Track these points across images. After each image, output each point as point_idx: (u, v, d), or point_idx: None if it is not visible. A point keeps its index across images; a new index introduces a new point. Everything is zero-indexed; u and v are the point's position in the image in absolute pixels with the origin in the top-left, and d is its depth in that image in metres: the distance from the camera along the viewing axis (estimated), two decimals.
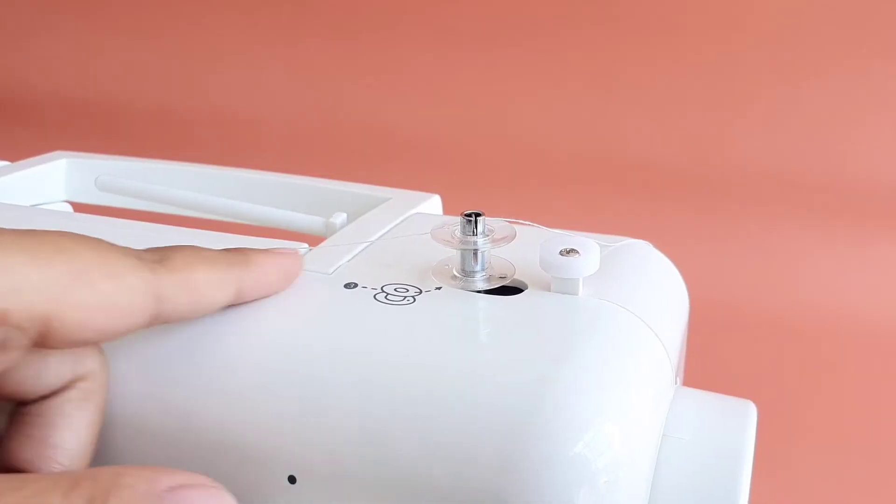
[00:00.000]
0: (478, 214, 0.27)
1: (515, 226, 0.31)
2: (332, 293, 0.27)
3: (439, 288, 0.27)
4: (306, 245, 0.30)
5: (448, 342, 0.24)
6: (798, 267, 0.71)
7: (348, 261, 0.29)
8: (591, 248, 0.26)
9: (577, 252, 0.26)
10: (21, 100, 0.87)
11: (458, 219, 0.27)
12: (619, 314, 0.26)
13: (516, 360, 0.23)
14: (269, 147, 0.78)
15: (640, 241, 0.31)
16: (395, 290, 0.27)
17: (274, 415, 0.23)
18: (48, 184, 0.41)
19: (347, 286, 0.27)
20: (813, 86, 0.69)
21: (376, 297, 0.26)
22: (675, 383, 0.27)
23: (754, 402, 0.28)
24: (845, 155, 0.70)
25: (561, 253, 0.26)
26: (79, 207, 0.42)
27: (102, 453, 0.25)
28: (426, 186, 0.38)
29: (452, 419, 0.22)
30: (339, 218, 0.34)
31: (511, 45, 0.73)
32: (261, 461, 0.24)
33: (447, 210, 0.38)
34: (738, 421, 0.27)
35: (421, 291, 0.27)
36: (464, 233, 0.27)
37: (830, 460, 0.56)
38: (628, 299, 0.27)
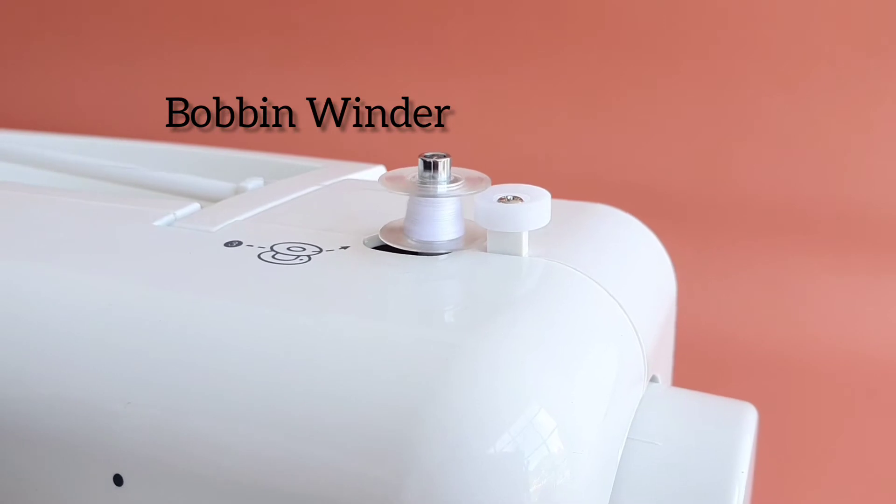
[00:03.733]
0: (441, 156, 0.20)
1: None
2: (207, 250, 0.21)
3: (346, 247, 0.21)
4: (197, 204, 0.24)
5: (332, 308, 0.18)
6: (809, 301, 0.65)
7: (242, 219, 0.23)
8: (540, 194, 0.20)
9: (521, 199, 0.20)
10: None
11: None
12: (574, 278, 0.20)
13: (420, 332, 0.17)
14: None
15: (614, 208, 0.25)
16: (287, 248, 0.21)
17: (97, 392, 0.18)
18: None
19: (229, 244, 0.21)
20: (827, 110, 0.64)
21: (261, 255, 0.20)
22: (649, 376, 0.21)
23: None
24: (860, 183, 0.65)
25: (500, 200, 0.20)
26: None
27: None
28: None
29: (332, 408, 0.16)
30: (254, 183, 0.28)
31: (506, 65, 0.69)
32: (82, 458, 0.18)
33: None
34: (732, 424, 0.21)
35: (321, 251, 0.21)
36: (422, 177, 0.20)
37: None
38: (588, 263, 0.20)
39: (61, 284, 0.20)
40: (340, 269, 0.20)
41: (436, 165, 0.20)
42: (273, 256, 0.20)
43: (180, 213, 0.23)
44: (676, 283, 0.25)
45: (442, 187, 0.20)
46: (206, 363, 0.17)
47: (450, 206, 0.20)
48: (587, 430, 0.17)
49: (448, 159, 0.20)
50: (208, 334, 0.18)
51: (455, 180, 0.20)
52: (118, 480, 0.17)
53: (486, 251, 0.20)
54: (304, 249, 0.21)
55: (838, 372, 0.62)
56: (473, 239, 0.21)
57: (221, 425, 0.17)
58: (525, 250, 0.20)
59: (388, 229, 0.21)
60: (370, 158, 0.34)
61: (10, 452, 0.18)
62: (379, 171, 0.30)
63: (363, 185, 0.27)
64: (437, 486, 0.15)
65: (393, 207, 0.22)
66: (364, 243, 0.21)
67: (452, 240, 0.20)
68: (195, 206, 0.24)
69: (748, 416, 0.21)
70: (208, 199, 0.28)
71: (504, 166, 0.67)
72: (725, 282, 0.67)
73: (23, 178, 0.33)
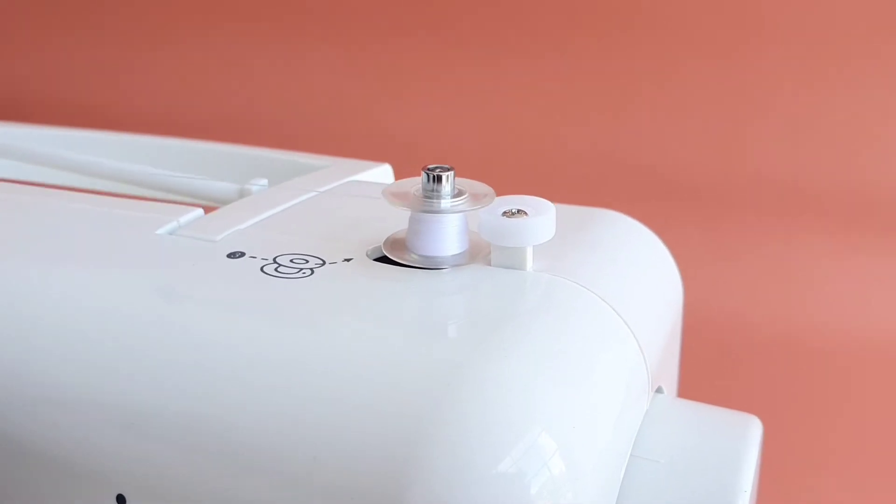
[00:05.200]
0: (445, 169, 0.20)
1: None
2: (207, 263, 0.21)
3: (349, 259, 0.21)
4: (201, 210, 0.24)
5: (334, 326, 0.18)
6: (818, 283, 0.65)
7: (246, 227, 0.23)
8: (545, 208, 0.20)
9: (525, 213, 0.20)
10: None
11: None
12: (577, 294, 0.19)
13: (421, 351, 0.17)
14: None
15: (620, 213, 0.25)
16: (290, 261, 0.21)
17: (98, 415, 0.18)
18: None
19: (232, 255, 0.21)
20: (837, 91, 0.63)
21: (264, 268, 0.20)
22: (653, 391, 0.21)
23: (765, 425, 0.22)
24: (870, 165, 0.64)
25: (504, 214, 0.20)
26: None
27: None
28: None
29: (333, 427, 0.16)
30: (258, 185, 0.28)
31: (515, 46, 0.68)
32: (85, 479, 0.18)
33: None
34: (735, 441, 0.20)
35: (324, 263, 0.21)
36: (425, 191, 0.20)
37: (851, 492, 0.49)
38: (593, 277, 0.20)
39: (62, 296, 0.20)
40: (343, 285, 0.19)
41: (439, 179, 0.20)
42: (276, 269, 0.20)
43: (184, 219, 0.23)
44: (683, 291, 0.25)
45: (445, 202, 0.19)
46: (209, 380, 0.17)
47: (453, 221, 0.20)
48: (589, 451, 0.17)
49: (451, 172, 0.20)
50: (211, 351, 0.18)
51: (459, 194, 0.20)
52: (121, 500, 0.17)
53: (490, 265, 0.20)
54: (307, 262, 0.21)
55: (847, 355, 0.61)
56: (478, 251, 0.21)
57: (221, 444, 0.17)
58: (529, 264, 0.20)
59: (391, 242, 0.21)
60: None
61: (11, 471, 0.18)
62: (384, 170, 0.30)
63: (367, 189, 0.27)
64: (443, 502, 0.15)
65: (397, 214, 0.22)
66: (367, 255, 0.21)
67: (456, 255, 0.20)
68: (198, 211, 0.24)
69: (752, 431, 0.21)
70: (213, 200, 0.28)
71: (513, 149, 0.67)
72: (734, 264, 0.67)
73: (19, 175, 0.33)
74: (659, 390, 0.23)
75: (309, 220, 0.24)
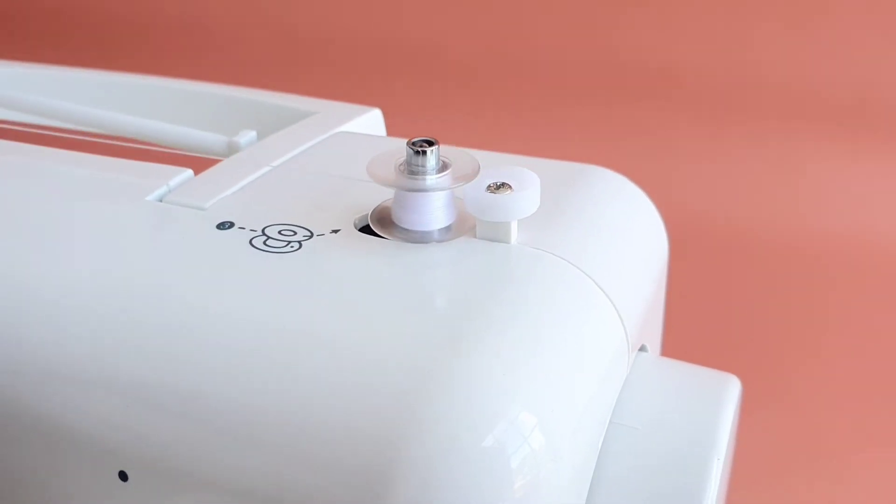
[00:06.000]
0: (429, 142, 0.20)
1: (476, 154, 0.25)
2: (199, 234, 0.21)
3: (337, 231, 0.21)
4: (191, 171, 0.24)
5: (324, 303, 0.18)
6: (819, 185, 0.65)
7: (234, 192, 0.23)
8: (529, 181, 0.20)
9: (510, 187, 0.20)
10: None
11: (396, 143, 0.21)
12: (559, 269, 0.20)
13: (404, 328, 0.18)
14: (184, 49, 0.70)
15: (605, 169, 0.25)
16: (279, 232, 0.21)
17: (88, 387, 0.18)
18: None
19: (221, 226, 0.21)
20: None
21: (252, 241, 0.21)
22: (633, 355, 0.22)
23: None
24: (874, 66, 0.63)
25: (489, 188, 0.20)
26: None
27: None
28: (371, 101, 0.31)
29: (321, 407, 0.17)
30: (246, 137, 0.28)
31: None
32: (85, 456, 0.19)
33: (391, 131, 0.31)
34: (711, 404, 0.21)
35: (312, 235, 0.21)
36: (410, 167, 0.20)
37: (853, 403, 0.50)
38: (575, 249, 0.21)
39: (56, 270, 0.20)
40: (330, 261, 0.20)
41: (424, 153, 0.20)
42: (264, 242, 0.21)
43: (173, 182, 0.23)
44: (668, 247, 0.25)
45: (430, 179, 0.20)
46: (197, 360, 0.18)
47: (439, 197, 0.20)
48: (568, 424, 0.18)
49: (436, 147, 0.20)
50: (204, 329, 0.18)
51: (444, 167, 0.20)
52: (123, 477, 0.18)
53: (475, 237, 0.21)
54: (295, 234, 0.21)
55: (847, 258, 0.62)
56: (464, 222, 0.21)
57: (211, 424, 0.18)
58: (514, 237, 0.20)
59: (378, 214, 0.21)
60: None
61: (13, 448, 0.19)
62: (374, 116, 0.30)
63: (355, 143, 0.27)
64: (427, 481, 0.16)
65: None
66: (354, 224, 0.21)
67: (442, 229, 0.20)
68: (188, 173, 0.24)
69: (730, 392, 0.22)
70: (200, 152, 0.28)
71: (515, 48, 0.65)
72: (736, 167, 0.67)
73: None
74: (642, 349, 0.23)
75: (297, 183, 0.24)
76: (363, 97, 0.32)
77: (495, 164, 0.21)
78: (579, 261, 0.20)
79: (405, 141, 0.20)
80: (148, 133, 0.29)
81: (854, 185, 0.65)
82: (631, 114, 0.66)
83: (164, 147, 0.29)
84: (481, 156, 0.26)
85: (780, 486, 0.39)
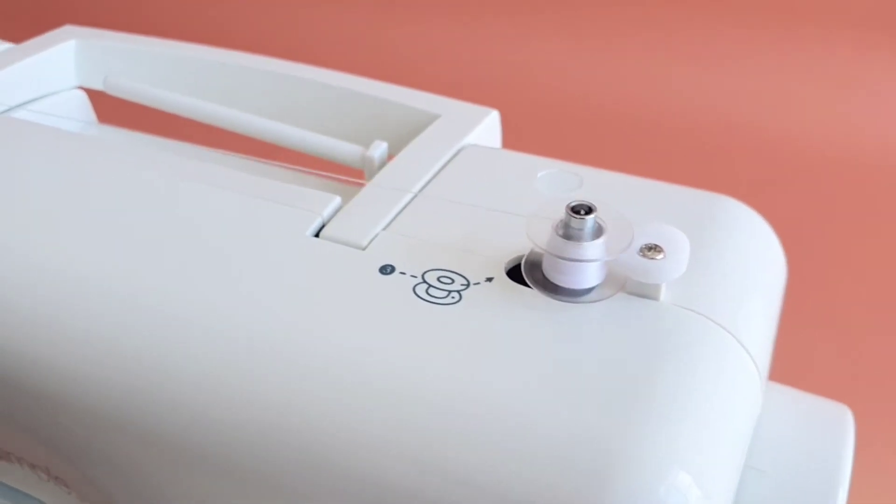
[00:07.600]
0: (588, 210, 0.21)
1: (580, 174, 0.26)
2: (361, 280, 0.23)
3: (490, 279, 0.23)
4: (338, 198, 0.26)
5: (498, 369, 0.20)
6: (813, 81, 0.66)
7: (386, 227, 0.25)
8: (680, 245, 0.21)
9: (661, 251, 0.21)
10: None
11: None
12: (707, 330, 0.21)
13: (580, 399, 0.19)
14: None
15: (729, 198, 0.26)
16: (437, 279, 0.23)
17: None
18: (58, 70, 0.36)
19: (383, 270, 0.23)
20: None
21: (416, 289, 0.22)
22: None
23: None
24: None
25: (641, 252, 0.21)
26: (93, 94, 0.37)
27: None
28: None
29: (487, 474, 0.19)
30: (379, 150, 0.29)
31: None
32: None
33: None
34: (833, 442, 0.23)
35: (468, 284, 0.22)
36: (566, 231, 0.21)
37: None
38: (719, 305, 0.22)
39: (217, 301, 0.22)
40: (494, 318, 0.21)
41: (582, 221, 0.21)
42: (427, 291, 0.22)
43: (326, 213, 0.25)
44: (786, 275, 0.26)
45: (587, 247, 0.21)
46: (374, 408, 0.20)
47: (594, 264, 0.21)
48: (718, 480, 0.20)
49: (594, 216, 0.21)
50: (375, 381, 0.20)
51: (598, 232, 0.21)
52: None
53: (624, 290, 0.22)
54: (453, 281, 0.22)
55: (856, 166, 0.63)
56: (614, 277, 0.22)
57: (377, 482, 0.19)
58: (663, 295, 0.22)
59: (529, 265, 0.23)
60: None
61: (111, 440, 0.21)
62: (493, 119, 0.31)
63: (486, 160, 0.28)
64: None
65: (523, 203, 0.25)
66: (505, 271, 0.23)
67: (593, 287, 0.22)
68: (336, 201, 0.25)
69: (847, 426, 0.24)
70: (334, 160, 0.30)
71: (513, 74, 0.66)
72: (738, 65, 0.68)
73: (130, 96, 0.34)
74: None
75: (441, 215, 0.25)
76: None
77: (640, 217, 0.22)
78: (723, 318, 0.22)
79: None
80: (287, 139, 0.30)
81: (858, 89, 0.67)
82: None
83: (299, 149, 0.30)
84: (605, 178, 0.27)
85: None
